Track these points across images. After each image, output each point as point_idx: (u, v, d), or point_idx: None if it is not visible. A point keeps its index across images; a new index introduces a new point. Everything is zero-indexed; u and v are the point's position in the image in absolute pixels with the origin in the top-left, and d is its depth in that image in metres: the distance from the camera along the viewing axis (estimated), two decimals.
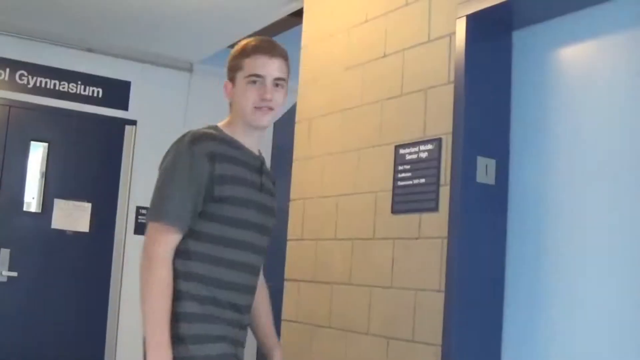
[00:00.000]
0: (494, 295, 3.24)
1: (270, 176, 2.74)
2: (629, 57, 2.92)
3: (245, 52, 2.53)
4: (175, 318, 2.33)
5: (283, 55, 2.56)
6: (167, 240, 2.32)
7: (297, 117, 4.47)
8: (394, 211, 3.56)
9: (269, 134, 6.06)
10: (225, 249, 2.41)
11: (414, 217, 3.43)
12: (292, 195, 4.41)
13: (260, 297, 2.75)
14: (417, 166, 3.44)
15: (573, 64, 3.16)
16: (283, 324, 4.25)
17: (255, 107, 2.50)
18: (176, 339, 2.30)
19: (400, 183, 3.54)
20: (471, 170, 3.24)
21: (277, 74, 2.52)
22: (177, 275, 2.34)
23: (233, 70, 2.55)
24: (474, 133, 3.26)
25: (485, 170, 3.25)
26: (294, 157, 4.45)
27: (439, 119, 3.38)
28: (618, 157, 2.89)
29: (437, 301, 3.22)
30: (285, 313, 4.28)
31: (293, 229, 4.34)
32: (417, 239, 3.40)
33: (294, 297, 4.18)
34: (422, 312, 3.29)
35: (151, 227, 2.35)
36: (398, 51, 3.71)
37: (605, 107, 2.97)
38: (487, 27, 3.30)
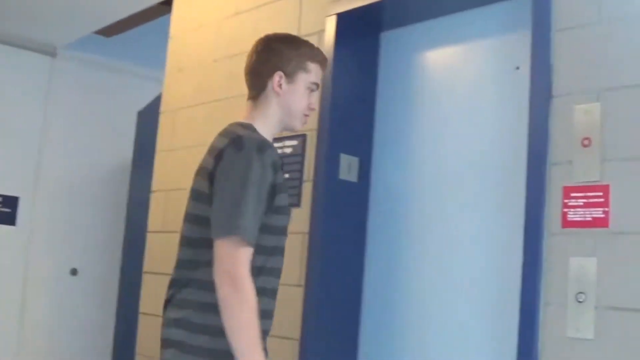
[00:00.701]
0: (352, 291, 3.23)
1: None
2: (492, 63, 2.97)
3: (315, 57, 2.31)
4: (201, 330, 2.11)
5: None
6: (247, 258, 2.03)
7: (162, 108, 4.33)
8: None
9: (131, 125, 5.84)
10: (274, 258, 2.22)
11: None
12: (153, 187, 4.27)
13: None
14: None
15: (438, 67, 3.20)
16: (141, 317, 4.09)
17: (305, 114, 2.32)
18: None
19: None
20: (334, 167, 3.22)
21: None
22: None
23: (294, 67, 2.26)
24: (338, 131, 3.24)
25: (348, 167, 3.23)
26: (157, 148, 4.30)
27: None
28: (480, 159, 2.93)
29: (297, 296, 3.18)
30: (143, 306, 4.12)
31: (154, 220, 4.20)
32: None
33: (153, 290, 4.03)
34: (282, 307, 3.22)
35: (228, 244, 2.01)
36: None
37: (469, 110, 3.02)
38: (356, 27, 3.30)
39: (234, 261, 1.98)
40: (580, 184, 2.39)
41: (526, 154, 2.53)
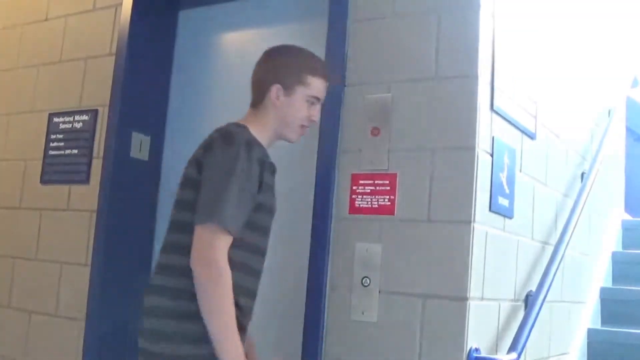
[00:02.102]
0: (140, 271, 3.00)
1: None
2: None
3: (314, 70, 2.17)
4: (182, 316, 1.94)
5: None
6: (224, 245, 1.89)
7: None
8: (43, 181, 3.21)
9: None
10: (254, 256, 2.06)
11: (63, 189, 3.13)
12: None
13: None
14: (70, 136, 3.12)
15: (235, 48, 3.08)
16: None
17: (301, 125, 2.18)
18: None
19: (51, 152, 3.20)
20: (125, 145, 3.01)
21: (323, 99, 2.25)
22: None
23: (292, 80, 2.14)
24: (130, 108, 3.04)
25: (139, 145, 3.01)
26: None
27: (97, 90, 3.11)
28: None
29: (83, 275, 2.95)
30: None
31: None
32: (65, 210, 3.09)
33: None
34: (67, 286, 3.00)
35: (206, 229, 1.88)
36: (61, 16, 3.35)
37: None
38: (153, 3, 3.09)
39: (211, 247, 1.87)
40: (369, 172, 2.35)
41: (317, 140, 2.46)
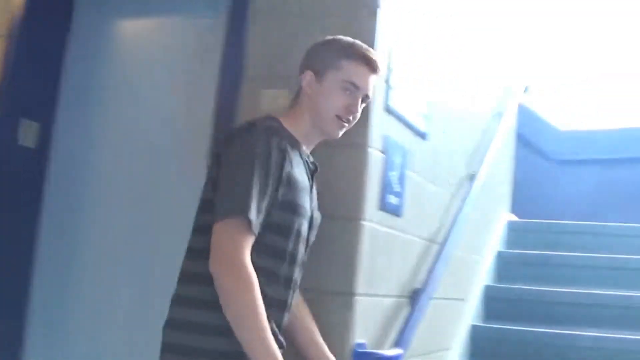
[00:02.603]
0: (23, 255, 2.93)
1: (317, 187, 2.10)
2: (187, 40, 2.88)
3: (347, 53, 1.95)
4: (215, 331, 1.73)
5: (378, 72, 2.01)
6: (247, 243, 1.70)
7: None
8: None
9: None
10: (277, 261, 1.83)
11: None
12: None
13: (305, 313, 2.12)
14: None
15: (133, 37, 3.06)
16: None
17: (337, 116, 1.95)
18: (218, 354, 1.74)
19: None
20: (12, 131, 2.91)
21: (369, 91, 1.99)
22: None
23: (324, 65, 1.94)
24: (19, 94, 2.95)
25: (26, 133, 2.93)
26: None
27: None
28: (167, 134, 2.83)
29: None
30: None
31: None
32: None
33: None
34: None
35: (226, 226, 1.69)
36: None
37: (160, 84, 2.91)
38: None
39: (233, 246, 1.69)
40: None
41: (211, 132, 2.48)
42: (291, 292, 1.90)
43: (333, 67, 1.95)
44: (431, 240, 2.96)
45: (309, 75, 1.97)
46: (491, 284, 4.07)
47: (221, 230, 1.70)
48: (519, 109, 4.85)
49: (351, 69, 1.94)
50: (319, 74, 1.95)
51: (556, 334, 3.54)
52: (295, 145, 1.92)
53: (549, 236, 4.54)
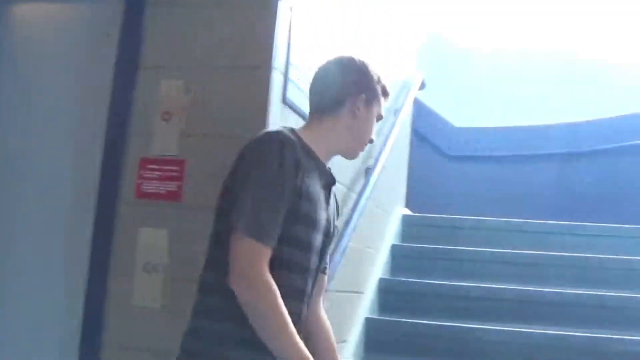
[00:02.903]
0: None
1: (335, 198, 2.13)
2: (83, 25, 2.77)
3: (383, 89, 2.07)
4: (235, 342, 1.76)
5: None
6: (265, 258, 1.72)
7: None
8: None
9: None
10: (292, 274, 1.83)
11: None
12: None
13: (320, 326, 2.11)
14: None
15: (25, 22, 2.89)
16: None
17: (365, 143, 2.07)
18: None
19: None
20: None
21: None
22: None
23: (372, 94, 2.03)
24: None
25: None
26: None
27: None
28: (62, 122, 2.71)
29: None
30: None
31: None
32: None
33: None
34: None
35: (243, 243, 1.70)
36: None
37: (54, 70, 2.77)
38: None
39: (251, 262, 1.70)
40: (158, 157, 2.36)
41: (107, 122, 2.43)
42: (304, 304, 1.91)
43: (377, 99, 2.05)
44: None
45: (362, 99, 2.01)
46: (386, 276, 4.16)
47: (237, 245, 1.72)
48: (414, 104, 4.96)
49: (382, 104, 2.09)
50: (369, 102, 2.02)
51: (450, 327, 3.65)
52: (312, 156, 1.93)
53: (442, 230, 4.67)
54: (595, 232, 4.51)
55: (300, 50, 2.56)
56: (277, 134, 1.85)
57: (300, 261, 1.87)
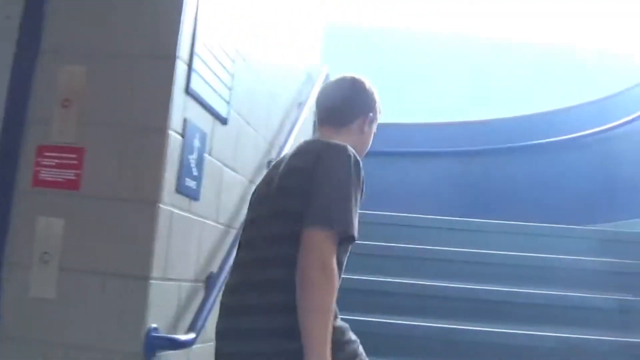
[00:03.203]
0: None
1: None
2: None
3: (380, 111, 2.42)
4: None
5: None
6: (335, 252, 1.92)
7: None
8: None
9: None
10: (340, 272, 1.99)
11: None
12: None
13: None
14: None
15: None
16: None
17: (363, 155, 2.31)
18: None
19: None
20: None
21: None
22: None
23: (374, 114, 2.37)
24: None
25: None
26: None
27: None
28: None
29: None
30: None
31: None
32: None
33: None
34: None
35: (330, 235, 1.90)
36: None
37: None
38: None
39: (328, 250, 1.89)
40: (56, 145, 2.33)
41: (4, 108, 2.38)
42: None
43: (376, 118, 2.38)
44: (228, 226, 3.02)
45: (369, 119, 2.34)
46: None
47: (322, 237, 1.90)
48: None
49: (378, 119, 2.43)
50: (371, 121, 2.35)
51: (388, 324, 3.71)
52: None
53: (365, 227, 4.73)
54: (484, 228, 4.71)
55: (204, 40, 2.57)
56: (349, 147, 2.08)
57: (344, 261, 2.07)
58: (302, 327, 1.85)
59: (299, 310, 1.86)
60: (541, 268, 4.23)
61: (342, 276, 2.00)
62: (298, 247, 1.91)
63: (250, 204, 2.21)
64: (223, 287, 2.16)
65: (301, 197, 1.97)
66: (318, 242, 1.90)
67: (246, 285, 2.01)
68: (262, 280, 1.98)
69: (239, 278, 2.06)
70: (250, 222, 2.15)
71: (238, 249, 2.16)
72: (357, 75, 2.40)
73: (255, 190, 2.24)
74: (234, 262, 2.16)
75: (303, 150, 2.12)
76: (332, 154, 2.04)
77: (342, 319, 2.04)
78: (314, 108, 2.56)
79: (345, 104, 2.33)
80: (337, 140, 2.14)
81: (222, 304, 2.09)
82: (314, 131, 2.70)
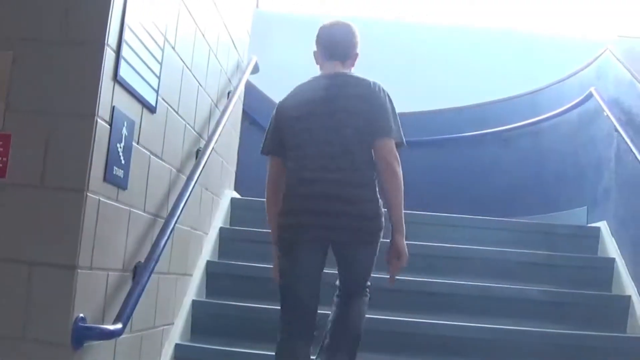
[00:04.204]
0: None
1: None
2: None
3: None
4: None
5: None
6: None
7: None
8: None
9: None
10: None
11: None
12: None
13: None
14: None
15: None
16: None
17: None
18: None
19: None
20: None
21: None
22: None
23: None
24: None
25: None
26: None
27: None
28: None
29: None
30: None
31: None
32: None
33: None
34: None
35: (394, 144, 2.96)
36: None
37: None
38: None
39: (396, 152, 2.95)
40: None
41: None
42: None
43: None
44: (156, 215, 3.06)
45: (357, 55, 3.17)
46: (214, 259, 4.25)
47: (393, 144, 2.94)
48: (247, 87, 5.07)
49: None
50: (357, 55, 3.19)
51: (276, 310, 3.78)
52: None
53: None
54: (421, 220, 4.83)
55: (133, 27, 2.60)
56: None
57: None
58: (392, 201, 2.93)
59: (389, 191, 2.92)
60: (467, 259, 4.39)
61: None
62: (368, 152, 2.95)
63: (296, 117, 3.01)
64: (296, 180, 2.98)
65: (365, 118, 2.94)
66: (393, 148, 2.94)
67: (347, 191, 2.90)
68: (366, 175, 2.96)
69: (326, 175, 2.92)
70: (307, 130, 2.98)
71: (298, 148, 2.99)
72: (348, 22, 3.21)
73: (294, 107, 3.06)
74: (302, 155, 2.99)
75: (353, 83, 3.03)
76: (378, 86, 3.01)
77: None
78: (321, 42, 3.16)
79: (350, 42, 3.14)
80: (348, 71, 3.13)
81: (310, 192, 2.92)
82: (323, 67, 3.15)
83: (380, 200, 2.93)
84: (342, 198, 2.87)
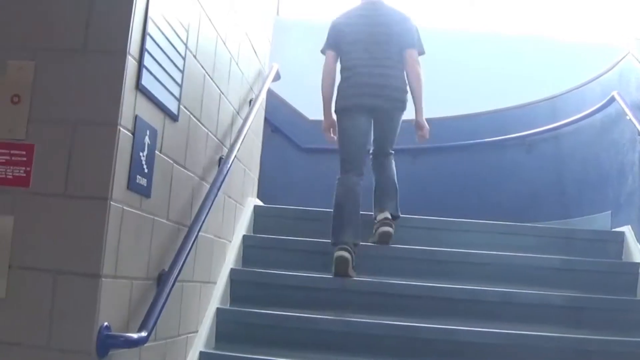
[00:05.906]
0: None
1: None
2: None
3: None
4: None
5: None
6: None
7: None
8: None
9: None
10: None
11: None
12: None
13: None
14: None
15: None
16: None
17: None
18: None
19: None
20: None
21: None
22: None
23: None
24: None
25: None
26: None
27: None
28: None
29: None
30: None
31: None
32: None
33: None
34: None
35: (417, 53, 4.50)
36: None
37: None
38: None
39: (419, 60, 4.49)
40: (5, 141, 2.33)
41: None
42: None
43: None
44: (179, 223, 3.05)
45: None
46: (237, 267, 4.24)
47: (416, 54, 4.48)
48: (268, 95, 5.06)
49: None
50: None
51: (298, 317, 3.78)
52: None
53: (292, 222, 4.80)
54: (441, 226, 4.79)
55: (155, 36, 2.59)
56: None
57: None
58: (416, 91, 4.45)
59: (415, 84, 4.44)
60: (489, 265, 4.32)
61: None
62: (400, 56, 4.46)
63: (349, 31, 4.53)
64: (351, 72, 4.47)
65: (404, 35, 4.48)
66: (416, 56, 4.47)
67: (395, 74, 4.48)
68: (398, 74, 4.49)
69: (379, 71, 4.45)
70: (357, 41, 4.48)
71: (350, 52, 4.49)
72: None
73: (346, 23, 4.59)
74: (354, 57, 4.48)
75: (390, 9, 4.57)
76: (408, 15, 4.56)
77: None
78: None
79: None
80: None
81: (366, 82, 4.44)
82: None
83: (407, 86, 4.46)
84: (384, 82, 4.39)
